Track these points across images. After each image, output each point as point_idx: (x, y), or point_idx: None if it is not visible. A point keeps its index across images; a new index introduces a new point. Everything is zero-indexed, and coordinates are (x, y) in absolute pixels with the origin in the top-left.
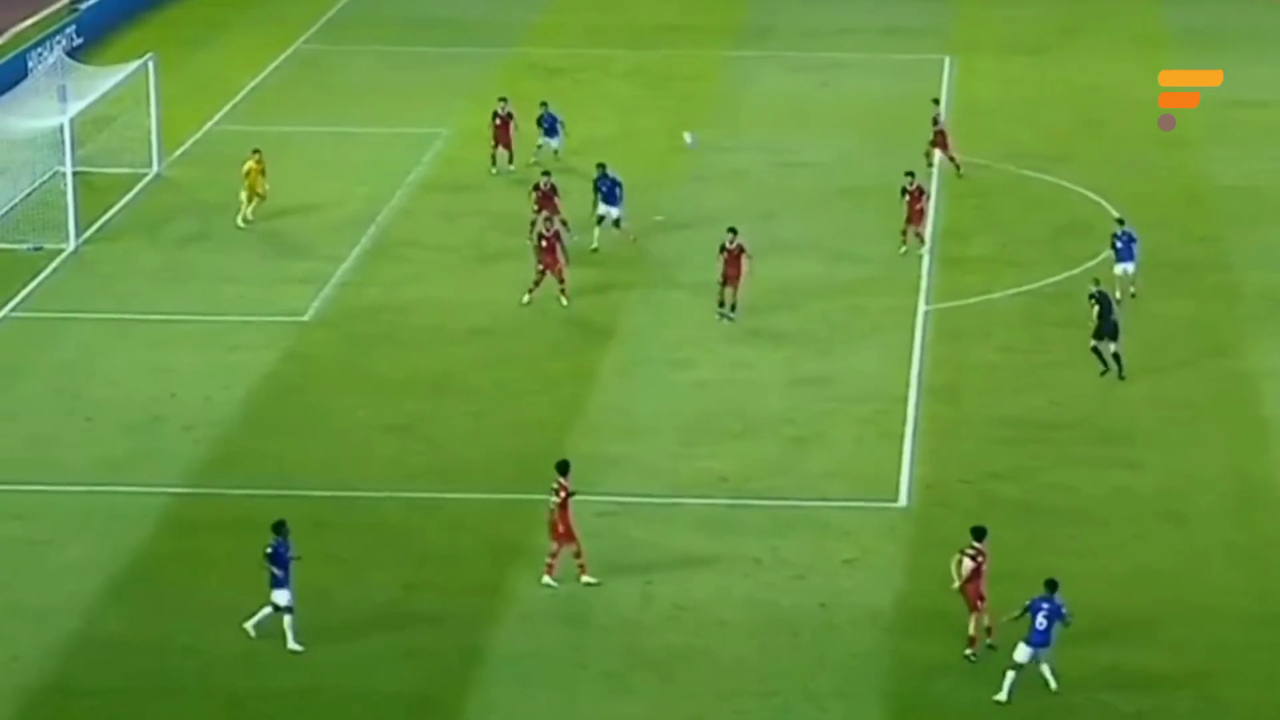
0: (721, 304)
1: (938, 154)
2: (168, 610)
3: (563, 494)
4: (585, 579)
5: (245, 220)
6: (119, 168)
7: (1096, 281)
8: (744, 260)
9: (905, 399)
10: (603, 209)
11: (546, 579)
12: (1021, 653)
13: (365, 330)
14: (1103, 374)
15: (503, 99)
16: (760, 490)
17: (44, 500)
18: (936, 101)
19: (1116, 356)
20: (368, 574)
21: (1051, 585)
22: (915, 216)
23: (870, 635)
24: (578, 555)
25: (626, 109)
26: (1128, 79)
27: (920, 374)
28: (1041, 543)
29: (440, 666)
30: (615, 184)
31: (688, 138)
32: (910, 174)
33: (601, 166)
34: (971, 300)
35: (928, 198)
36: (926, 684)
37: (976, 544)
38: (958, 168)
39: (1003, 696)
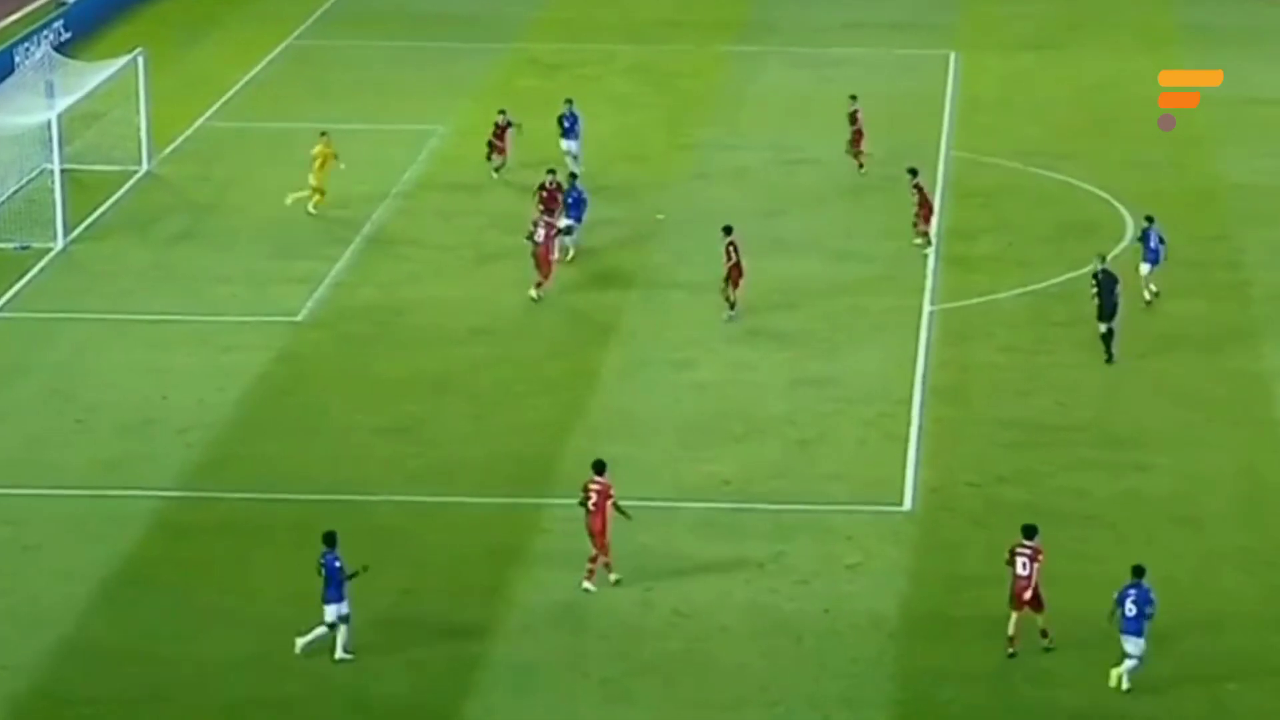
0: (727, 298)
1: (859, 148)
2: (161, 616)
3: (606, 493)
4: (586, 585)
5: (315, 208)
6: (108, 165)
7: (1102, 258)
8: (734, 256)
9: (909, 401)
10: (563, 220)
11: (612, 577)
12: (1128, 644)
13: (361, 331)
14: (1107, 363)
15: (502, 111)
16: (762, 494)
17: (35, 504)
18: (854, 97)
19: (1110, 333)
20: (365, 579)
21: (1138, 571)
22: (922, 214)
23: (874, 641)
24: (593, 560)
25: (627, 105)
26: (1135, 76)
27: (925, 375)
28: (1050, 547)
29: (439, 673)
30: (581, 198)
31: None
32: (912, 170)
33: (573, 177)
34: (977, 300)
35: (927, 197)
36: (932, 690)
37: (1029, 542)
38: (860, 165)
39: (1126, 685)
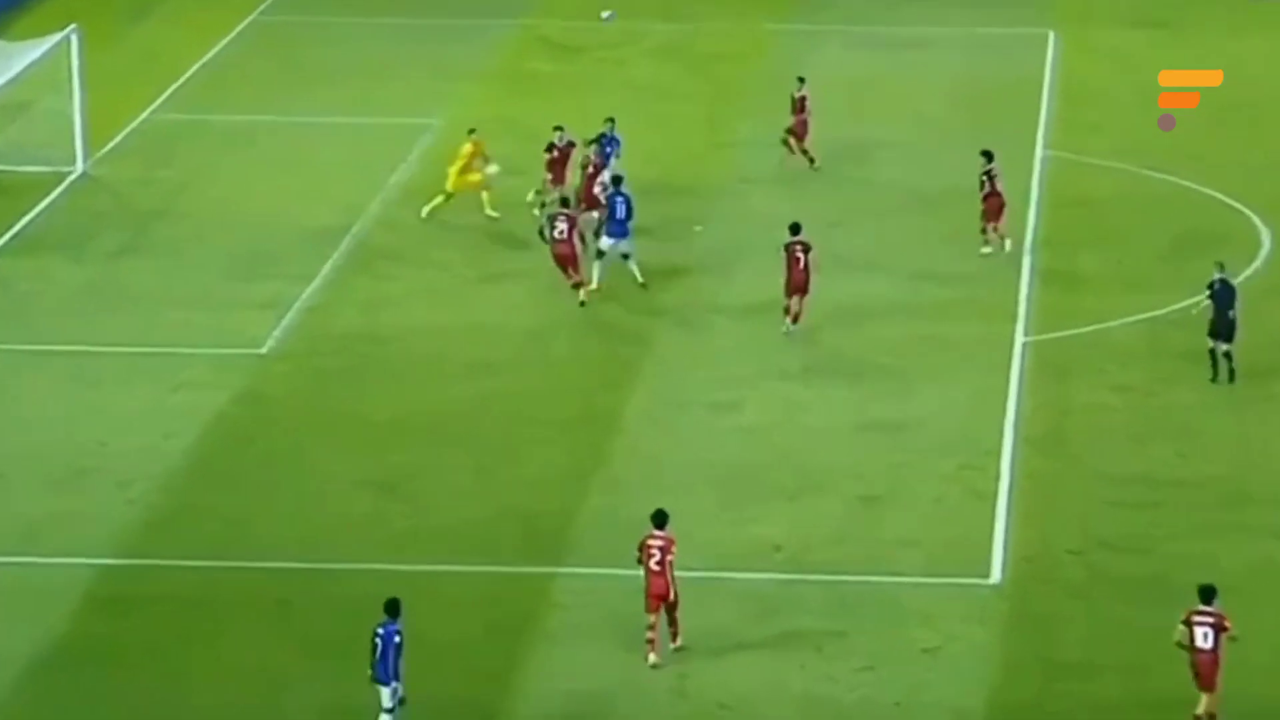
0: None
1: (794, 143)
2: (97, 704)
3: (670, 549)
4: (652, 657)
5: (493, 210)
6: (35, 165)
7: (1221, 267)
8: (808, 262)
9: (998, 451)
10: (605, 241)
11: (652, 657)
12: None
13: (338, 365)
14: (1212, 380)
15: (559, 128)
16: (821, 562)
17: None
18: (802, 80)
19: (1228, 356)
20: (343, 663)
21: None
22: (989, 207)
23: None
24: (651, 628)
25: (657, 95)
26: (1267, 59)
27: (1017, 420)
28: (1168, 627)
29: None
30: (628, 204)
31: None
32: (987, 154)
33: (618, 181)
34: (1080, 329)
35: (998, 189)
36: None
37: (1208, 608)
38: (811, 161)
39: None
